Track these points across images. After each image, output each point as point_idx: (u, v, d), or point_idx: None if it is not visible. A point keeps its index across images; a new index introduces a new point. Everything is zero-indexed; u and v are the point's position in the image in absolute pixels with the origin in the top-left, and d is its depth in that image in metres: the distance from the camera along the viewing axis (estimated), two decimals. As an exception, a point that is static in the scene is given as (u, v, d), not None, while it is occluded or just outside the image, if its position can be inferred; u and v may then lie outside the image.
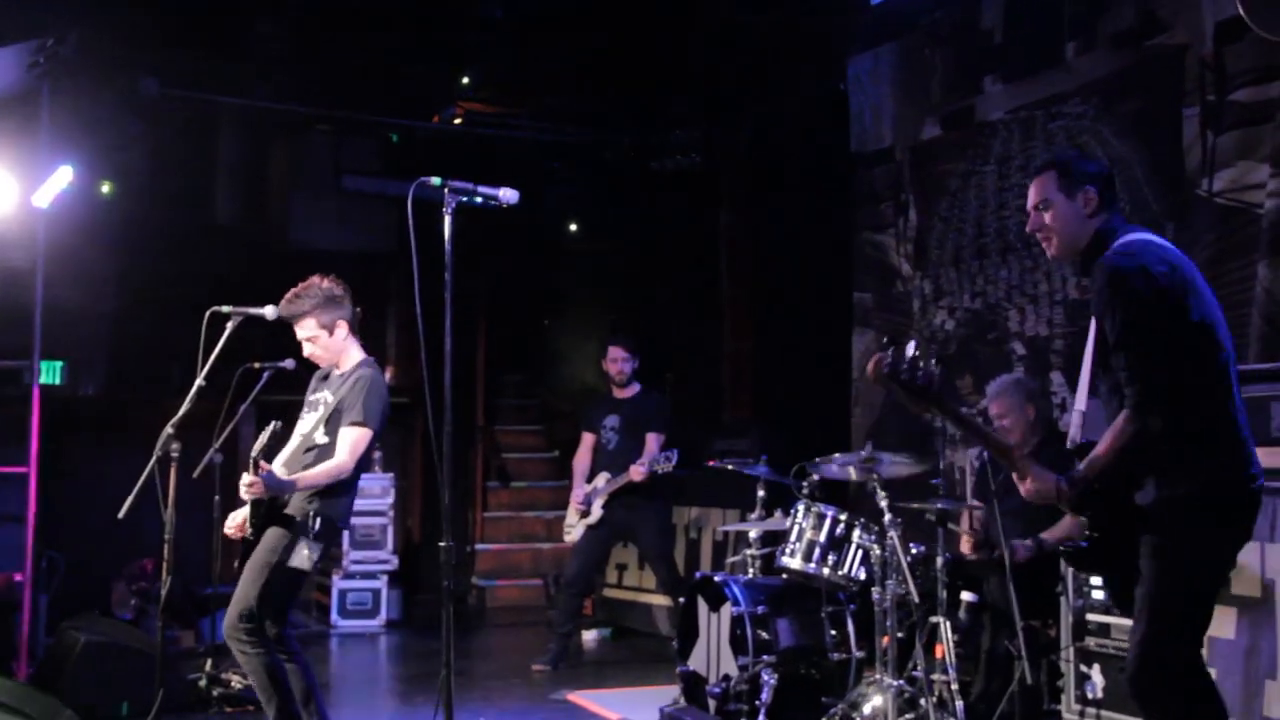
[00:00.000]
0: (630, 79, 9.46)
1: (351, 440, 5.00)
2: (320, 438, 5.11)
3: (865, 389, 7.85)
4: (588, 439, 7.82)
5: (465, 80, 9.44)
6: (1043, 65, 6.55)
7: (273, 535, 4.96)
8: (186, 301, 7.69)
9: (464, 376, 12.02)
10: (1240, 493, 3.47)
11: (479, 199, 3.43)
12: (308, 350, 5.26)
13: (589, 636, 9.09)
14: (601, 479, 7.51)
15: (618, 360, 7.67)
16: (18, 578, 8.01)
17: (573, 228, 11.46)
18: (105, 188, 8.92)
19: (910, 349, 3.33)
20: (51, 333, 8.49)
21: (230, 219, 10.89)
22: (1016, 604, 4.91)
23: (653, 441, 7.43)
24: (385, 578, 9.67)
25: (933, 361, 3.37)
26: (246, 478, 4.91)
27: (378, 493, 9.62)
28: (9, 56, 7.41)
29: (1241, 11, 4.84)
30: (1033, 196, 3.75)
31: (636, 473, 7.21)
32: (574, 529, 7.64)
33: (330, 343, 5.19)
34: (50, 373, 9.16)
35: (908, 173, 7.56)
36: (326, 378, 5.30)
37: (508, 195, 3.49)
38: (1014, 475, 3.60)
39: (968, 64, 7.10)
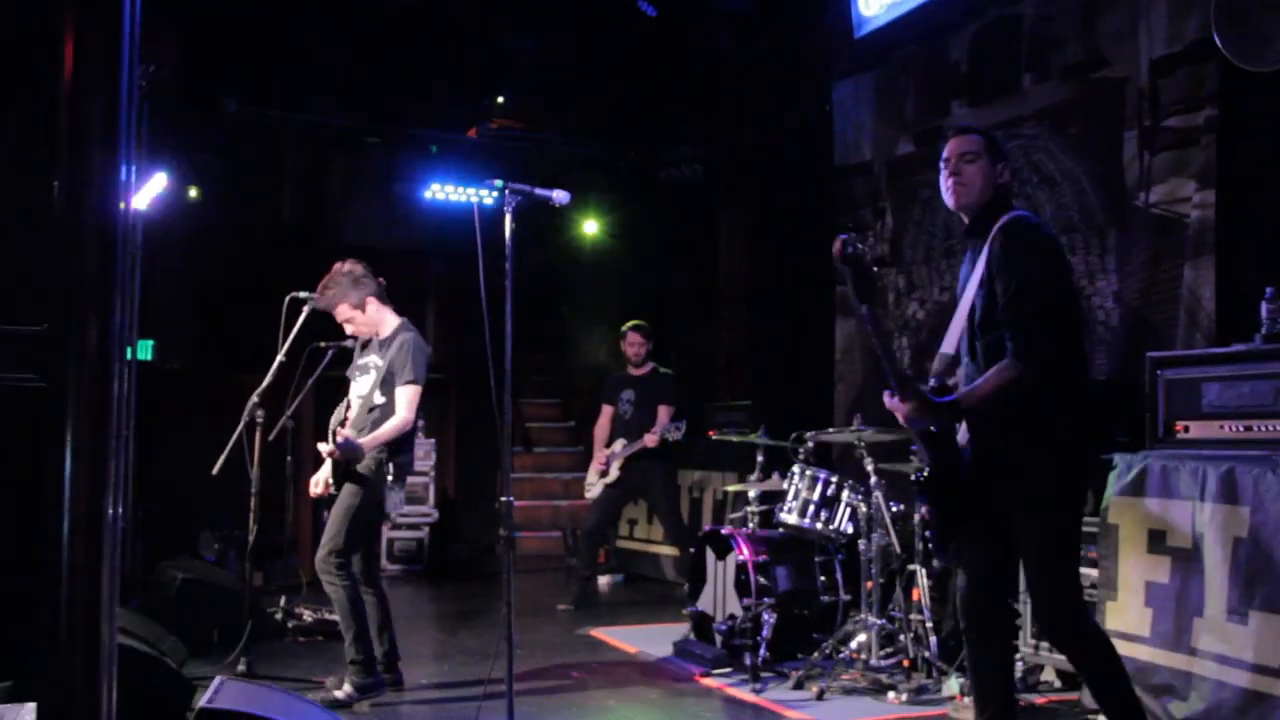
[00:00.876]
0: (640, 99, 9.52)
1: (408, 397, 5.05)
2: (378, 398, 5.16)
3: (846, 369, 7.91)
4: (607, 410, 7.87)
5: (500, 100, 9.49)
6: (1003, 92, 6.58)
7: (351, 485, 5.03)
8: (256, 291, 7.77)
9: (498, 355, 11.96)
10: (1088, 459, 3.51)
11: (535, 198, 3.47)
12: (349, 330, 5.30)
13: (604, 581, 9.16)
14: (619, 444, 7.57)
15: (635, 343, 7.71)
16: (120, 526, 8.09)
17: (589, 228, 11.48)
18: (192, 192, 8.93)
19: (867, 243, 3.27)
20: (145, 316, 8.57)
21: (294, 220, 10.95)
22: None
23: (663, 413, 7.48)
24: (427, 529, 9.74)
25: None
26: (325, 446, 4.97)
27: (421, 455, 9.64)
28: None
29: (1218, 42, 4.84)
30: (961, 146, 3.55)
31: (650, 439, 7.27)
32: (594, 487, 7.70)
33: (365, 318, 5.23)
34: (144, 350, 9.23)
35: (884, 183, 7.60)
36: (370, 341, 5.33)
37: (560, 196, 3.54)
38: (898, 397, 3.40)
39: (937, 90, 7.13)
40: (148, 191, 8.01)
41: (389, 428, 5.02)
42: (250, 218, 10.00)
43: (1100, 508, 4.52)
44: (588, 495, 7.84)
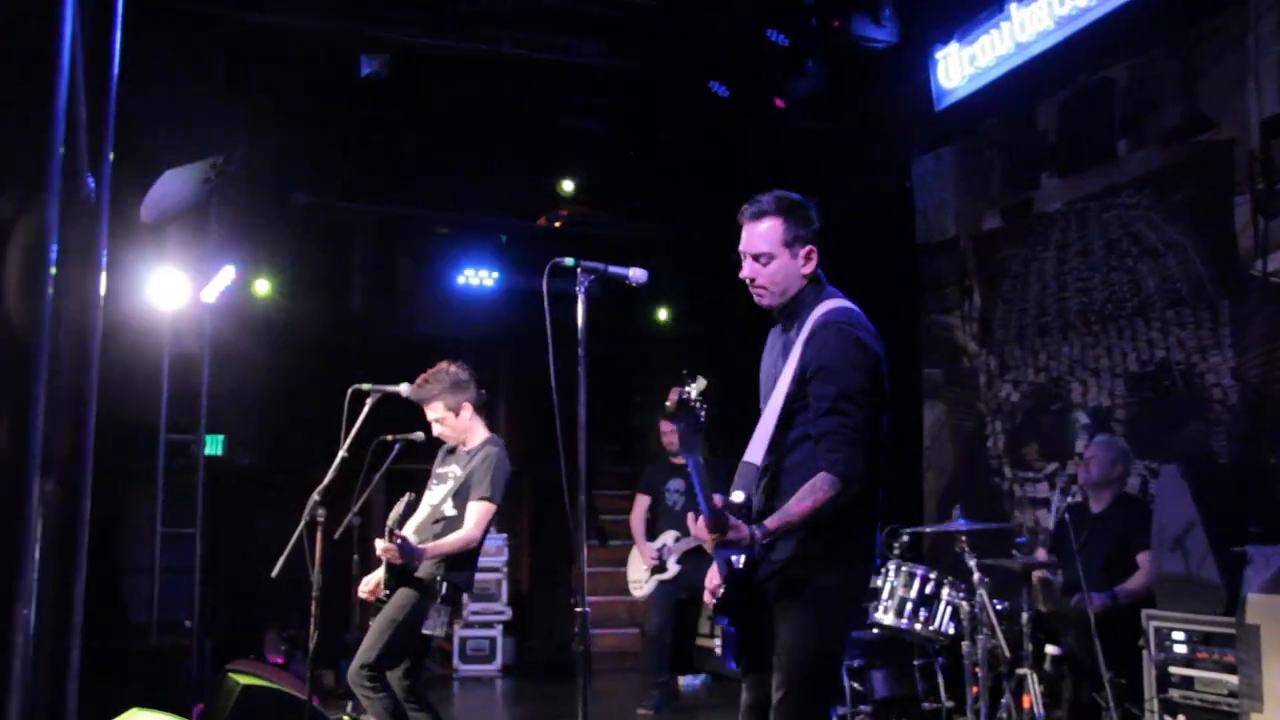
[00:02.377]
0: (713, 181, 9.31)
1: (478, 514, 4.83)
2: (449, 510, 4.94)
3: (935, 456, 7.50)
4: (643, 500, 7.64)
5: (568, 186, 9.33)
6: (1096, 160, 6.27)
7: (401, 595, 4.79)
8: (326, 384, 7.61)
9: (570, 445, 11.74)
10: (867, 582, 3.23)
11: (609, 276, 3.20)
12: (437, 430, 5.09)
13: (685, 682, 8.72)
14: (669, 536, 7.28)
15: (668, 433, 7.45)
16: (187, 624, 7.91)
17: (660, 314, 11.24)
18: (261, 285, 8.87)
19: (698, 387, 2.88)
20: (215, 410, 8.48)
21: (364, 312, 10.85)
22: (1102, 655, 4.54)
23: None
24: (500, 627, 9.42)
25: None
26: (381, 544, 4.73)
27: (493, 551, 9.40)
28: (189, 173, 7.43)
29: None
30: (754, 244, 3.16)
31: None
32: (643, 584, 7.37)
33: (457, 423, 5.03)
34: (214, 445, 9.12)
35: (971, 260, 7.26)
36: (453, 452, 5.12)
37: (637, 275, 3.26)
38: (712, 528, 2.94)
39: (1025, 162, 6.82)
40: (216, 285, 7.97)
41: (452, 540, 4.80)
42: (320, 310, 9.89)
43: (1236, 606, 4.08)
44: (636, 594, 7.47)
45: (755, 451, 3.12)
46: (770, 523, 2.96)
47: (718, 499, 2.97)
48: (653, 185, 9.76)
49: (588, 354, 3.22)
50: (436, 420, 5.03)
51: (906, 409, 7.76)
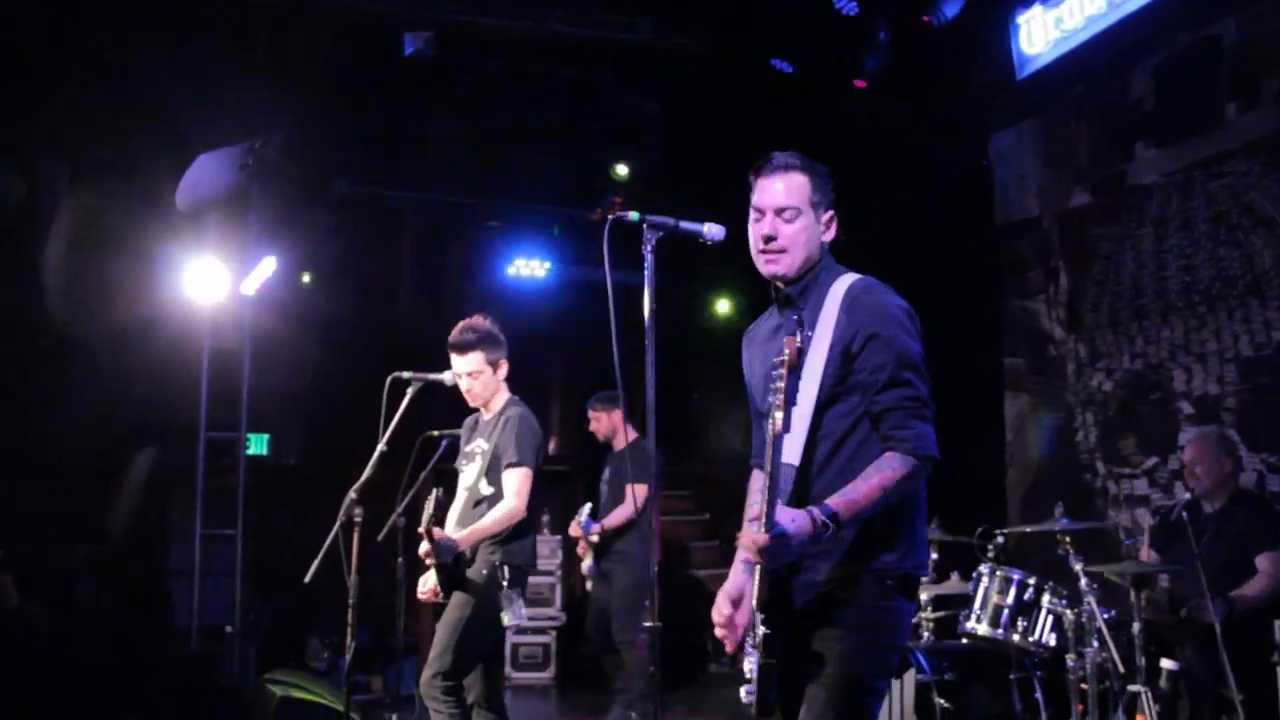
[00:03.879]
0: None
1: (515, 483, 4.40)
2: (485, 488, 4.54)
3: (1018, 451, 6.96)
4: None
5: (623, 171, 8.86)
6: (1200, 127, 5.72)
7: (460, 595, 4.36)
8: (373, 381, 7.25)
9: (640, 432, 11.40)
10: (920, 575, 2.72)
11: (681, 234, 2.74)
12: (465, 385, 4.61)
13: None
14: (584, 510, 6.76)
15: (594, 419, 6.79)
16: (228, 630, 7.63)
17: (721, 307, 10.77)
18: (305, 278, 8.54)
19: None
20: (258, 408, 8.20)
21: (411, 307, 10.49)
22: (1231, 672, 4.03)
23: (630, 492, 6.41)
24: (553, 633, 9.00)
25: None
26: (424, 547, 4.34)
27: (545, 554, 8.97)
28: (224, 159, 7.11)
29: None
30: (777, 198, 2.74)
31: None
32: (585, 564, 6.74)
33: (490, 380, 4.59)
34: (258, 444, 8.84)
35: (1056, 240, 6.72)
36: (476, 425, 4.70)
37: (713, 231, 2.80)
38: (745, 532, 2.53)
39: (1117, 132, 6.28)
40: (256, 277, 7.66)
41: (493, 518, 4.37)
42: (365, 305, 9.55)
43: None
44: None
45: (790, 450, 2.60)
46: (833, 502, 2.46)
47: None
48: (712, 171, 9.31)
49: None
50: (470, 373, 4.58)
51: (986, 400, 7.22)
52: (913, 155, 7.94)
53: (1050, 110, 6.77)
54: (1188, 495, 4.47)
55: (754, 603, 2.49)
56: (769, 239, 2.74)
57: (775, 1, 7.57)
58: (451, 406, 5.46)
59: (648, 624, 2.52)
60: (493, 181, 9.29)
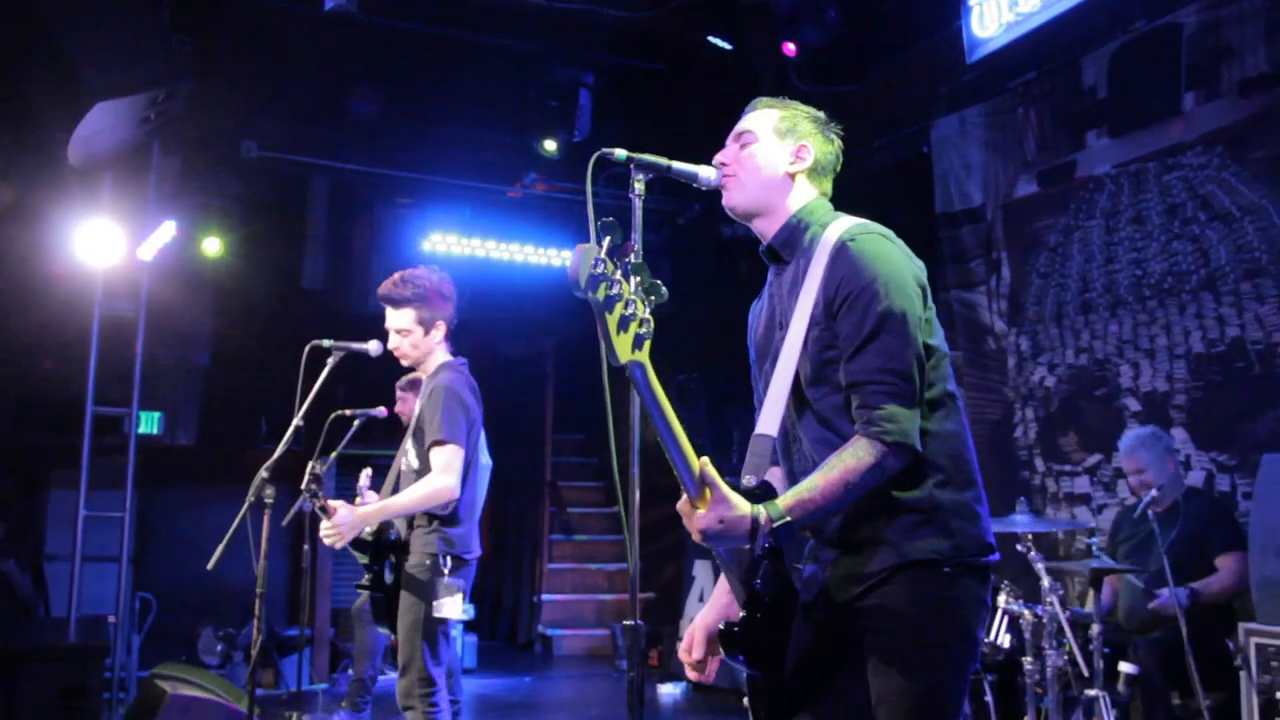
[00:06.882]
0: (706, 145, 8.58)
1: (441, 462, 4.00)
2: (414, 460, 4.19)
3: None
4: None
5: (551, 147, 8.50)
6: (1156, 117, 5.58)
7: (408, 595, 4.00)
8: (274, 359, 6.78)
9: (534, 435, 11.11)
10: (988, 554, 2.28)
11: (672, 176, 2.42)
12: (392, 343, 4.21)
13: (664, 690, 7.99)
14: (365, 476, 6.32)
15: (401, 401, 6.24)
16: (110, 618, 7.10)
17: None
18: (208, 245, 8.00)
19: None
20: (151, 384, 7.65)
21: (316, 282, 9.97)
22: (1196, 672, 3.87)
23: None
24: (462, 626, 8.62)
25: None
26: (324, 526, 3.96)
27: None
28: (124, 111, 6.56)
29: None
30: (742, 125, 2.51)
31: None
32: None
33: (423, 341, 4.20)
34: (149, 423, 8.27)
35: (1000, 230, 6.56)
36: (415, 386, 4.30)
37: (708, 176, 2.49)
38: (683, 501, 2.10)
39: (1068, 120, 6.13)
40: (154, 241, 7.13)
41: (412, 495, 3.98)
42: (269, 278, 9.01)
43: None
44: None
45: (768, 420, 2.31)
46: (784, 502, 2.13)
47: (704, 463, 2.08)
48: (646, 148, 9.00)
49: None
50: (399, 331, 4.18)
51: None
52: (853, 139, 7.74)
53: (999, 96, 6.61)
54: (1153, 492, 4.30)
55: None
56: (721, 165, 2.48)
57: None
58: (371, 385, 5.06)
59: (628, 622, 2.19)
60: (411, 155, 8.85)
